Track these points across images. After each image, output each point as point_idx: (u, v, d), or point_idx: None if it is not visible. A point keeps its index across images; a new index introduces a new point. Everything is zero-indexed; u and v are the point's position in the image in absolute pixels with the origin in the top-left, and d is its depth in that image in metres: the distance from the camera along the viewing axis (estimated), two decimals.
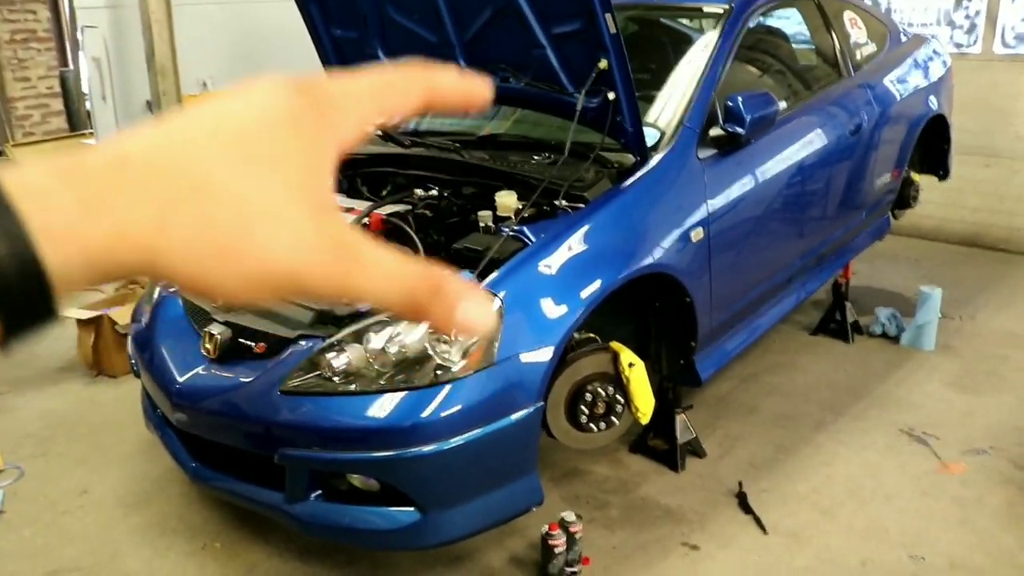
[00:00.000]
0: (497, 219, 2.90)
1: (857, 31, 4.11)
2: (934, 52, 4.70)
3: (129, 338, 3.27)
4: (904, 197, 4.51)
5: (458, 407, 2.42)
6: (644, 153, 2.92)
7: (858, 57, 4.09)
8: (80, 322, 4.20)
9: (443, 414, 2.41)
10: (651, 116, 3.19)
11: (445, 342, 2.45)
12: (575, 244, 2.70)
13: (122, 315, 4.10)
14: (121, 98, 4.56)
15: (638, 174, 2.90)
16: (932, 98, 4.45)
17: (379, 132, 3.70)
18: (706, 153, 3.10)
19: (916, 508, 3.10)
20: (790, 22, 4.05)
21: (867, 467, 3.36)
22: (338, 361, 2.49)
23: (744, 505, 3.12)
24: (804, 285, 3.79)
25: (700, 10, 3.56)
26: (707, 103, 3.15)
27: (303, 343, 2.62)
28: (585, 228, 2.73)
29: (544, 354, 2.52)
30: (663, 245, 2.88)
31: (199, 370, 2.78)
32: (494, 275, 2.57)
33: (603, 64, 2.77)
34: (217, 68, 4.70)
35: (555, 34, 2.87)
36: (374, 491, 2.55)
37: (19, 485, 3.45)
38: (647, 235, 2.86)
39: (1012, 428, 3.60)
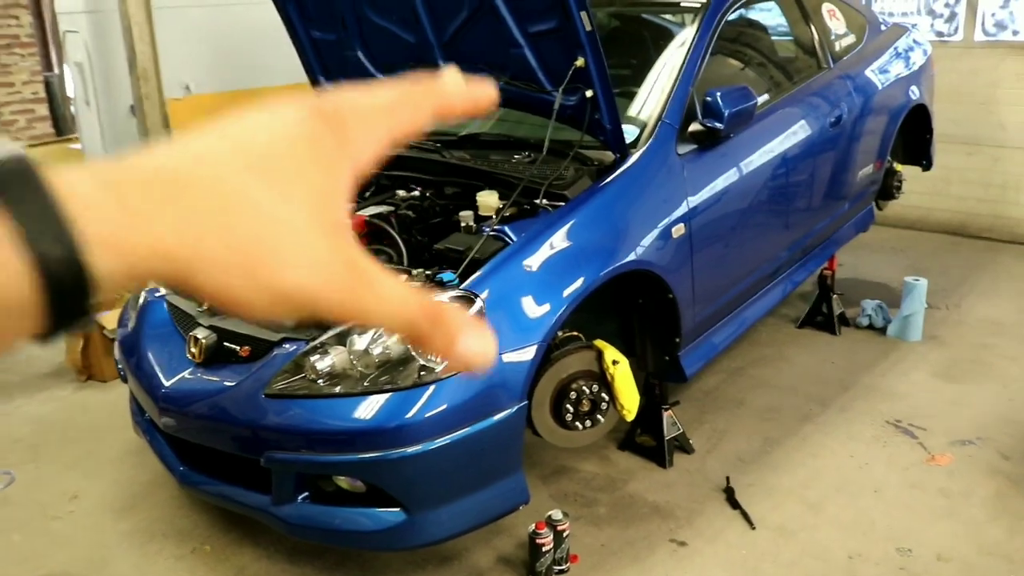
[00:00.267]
0: (479, 219, 2.91)
1: (836, 22, 4.11)
2: (914, 42, 4.71)
3: (116, 343, 3.27)
4: (887, 188, 4.52)
5: (442, 407, 2.43)
6: (623, 150, 2.93)
7: (837, 48, 4.10)
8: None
9: (427, 415, 2.42)
10: (630, 112, 3.20)
11: None
12: (556, 242, 2.71)
13: (110, 320, 4.09)
14: (105, 103, 4.55)
15: (617, 171, 2.91)
16: (913, 88, 4.47)
17: None
18: (685, 148, 3.11)
19: (903, 500, 3.12)
20: (769, 15, 4.05)
21: (854, 459, 3.37)
22: (322, 363, 2.50)
23: (731, 500, 3.13)
24: (789, 278, 3.80)
25: (678, 5, 3.56)
26: (685, 98, 3.15)
27: (287, 346, 2.62)
28: (565, 226, 2.74)
29: (526, 353, 2.53)
30: (644, 242, 2.89)
31: (185, 374, 2.79)
32: (475, 275, 2.58)
33: (580, 62, 2.77)
34: (200, 71, 4.69)
35: (532, 33, 2.87)
36: (360, 492, 2.56)
37: (9, 491, 3.45)
38: (628, 232, 2.87)
39: (998, 418, 3.62)
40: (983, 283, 5.04)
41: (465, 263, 2.66)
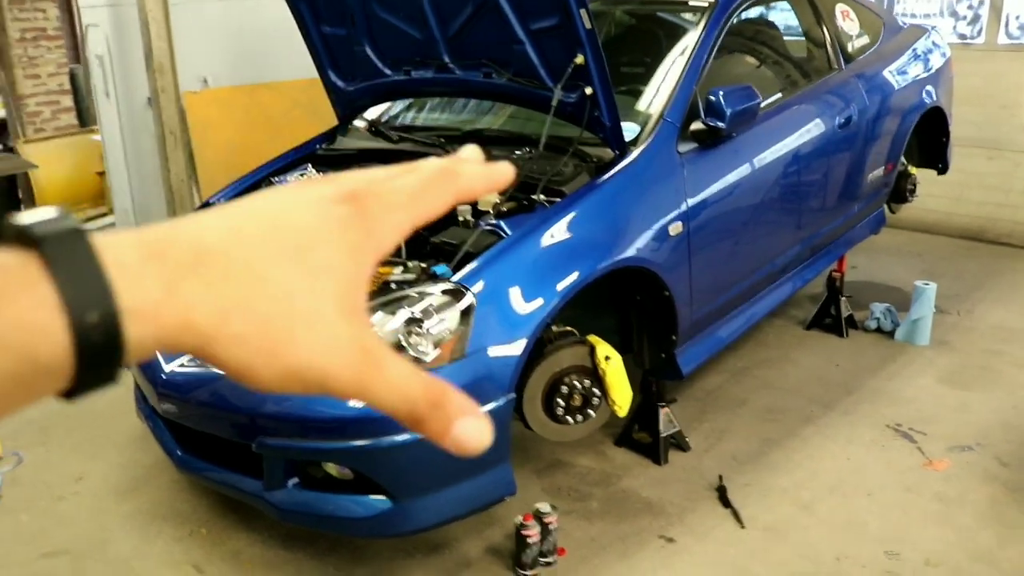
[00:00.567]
0: (477, 213, 2.94)
1: (849, 23, 4.09)
2: (933, 44, 4.67)
3: None
4: (901, 191, 4.49)
5: None
6: (622, 147, 2.94)
7: (850, 49, 4.08)
8: None
9: None
10: (633, 110, 3.21)
11: (418, 334, 2.49)
12: (549, 237, 2.73)
13: None
14: (123, 95, 4.64)
15: (615, 168, 2.92)
16: (929, 90, 4.43)
17: (370, 128, 3.75)
18: (687, 147, 3.11)
19: (897, 504, 3.10)
20: (780, 15, 4.04)
21: (851, 462, 3.36)
22: None
23: (724, 499, 3.14)
24: (792, 279, 3.79)
25: (686, 4, 3.56)
26: (688, 97, 3.16)
27: None
28: (560, 222, 2.76)
29: (516, 347, 2.56)
30: (640, 239, 2.90)
31: (184, 360, 2.85)
32: (467, 268, 2.61)
33: (580, 59, 2.79)
34: (218, 65, 4.76)
35: (533, 30, 2.90)
36: (348, 480, 2.61)
37: (18, 471, 3.54)
38: (624, 229, 2.88)
39: (1001, 424, 3.59)
40: (998, 289, 4.98)
41: (459, 256, 2.69)
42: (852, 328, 4.44)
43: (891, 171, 4.27)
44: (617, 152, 2.96)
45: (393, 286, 2.68)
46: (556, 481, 3.32)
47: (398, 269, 2.80)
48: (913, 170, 4.58)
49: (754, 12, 3.83)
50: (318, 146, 3.74)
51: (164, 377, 2.83)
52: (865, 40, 4.20)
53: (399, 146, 3.47)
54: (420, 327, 2.48)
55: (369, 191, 0.45)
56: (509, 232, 2.75)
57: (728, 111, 3.04)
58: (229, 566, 2.93)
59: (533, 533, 2.76)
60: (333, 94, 3.75)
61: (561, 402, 2.81)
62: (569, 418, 2.84)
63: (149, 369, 2.90)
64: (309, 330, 0.41)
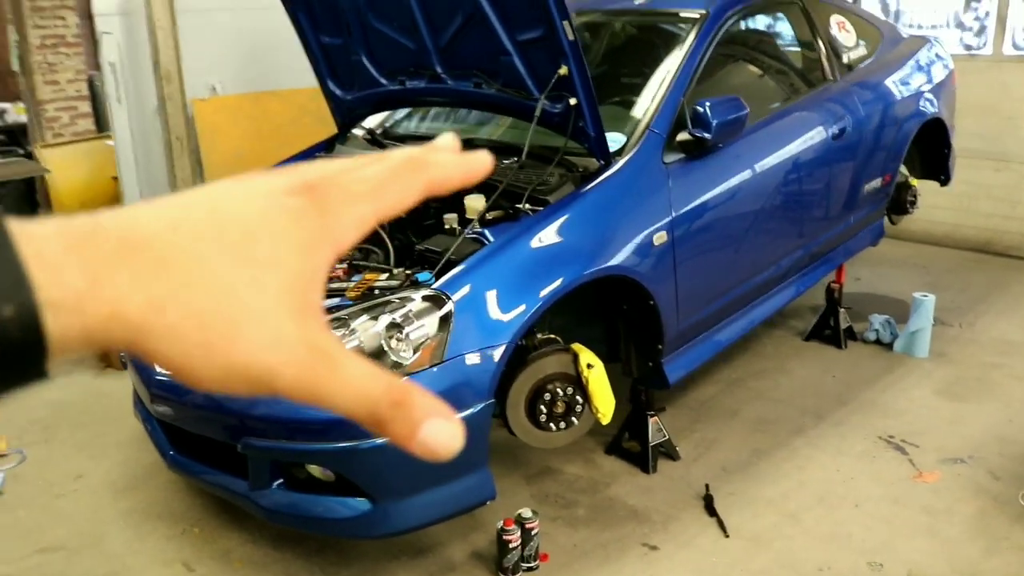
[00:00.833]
0: (464, 221, 2.98)
1: (845, 35, 4.10)
2: (936, 55, 4.66)
3: None
4: (901, 202, 4.48)
5: None
6: (607, 157, 2.97)
7: (845, 60, 4.09)
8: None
9: None
10: (620, 120, 3.24)
11: (399, 339, 2.54)
12: (532, 245, 2.77)
13: None
14: (134, 101, 4.74)
15: (599, 178, 2.95)
16: (929, 101, 4.42)
17: (365, 136, 3.82)
18: (673, 158, 3.14)
19: (883, 515, 3.10)
20: (774, 26, 4.06)
21: (840, 473, 3.36)
22: None
23: (709, 507, 3.15)
24: (786, 290, 3.80)
25: (676, 15, 3.59)
26: (675, 108, 3.19)
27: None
28: (543, 230, 2.80)
29: (495, 353, 2.59)
30: (624, 248, 2.93)
31: None
32: (448, 275, 2.65)
33: (563, 70, 2.83)
34: (226, 73, 4.85)
35: (520, 41, 2.94)
36: (331, 481, 2.65)
37: (21, 468, 3.62)
38: (607, 237, 2.91)
39: (995, 437, 3.57)
40: (1002, 302, 4.95)
41: (441, 263, 2.74)
42: (851, 339, 4.44)
43: (889, 182, 4.27)
44: (602, 162, 2.99)
45: (377, 292, 2.73)
46: (545, 488, 3.35)
47: (384, 276, 2.85)
48: (914, 182, 4.56)
49: (748, 23, 3.85)
50: (316, 155, 3.81)
51: (157, 379, 2.90)
52: (862, 51, 4.20)
53: None
54: (400, 332, 2.53)
55: (329, 182, 0.43)
56: (492, 240, 2.79)
57: (714, 122, 3.06)
58: (219, 564, 2.99)
59: (514, 538, 2.80)
60: (332, 103, 3.82)
61: (544, 409, 2.84)
62: (552, 425, 2.87)
63: (143, 371, 2.97)
64: (251, 326, 0.39)
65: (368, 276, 2.87)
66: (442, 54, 3.25)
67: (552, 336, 2.93)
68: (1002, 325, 4.64)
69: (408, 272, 2.80)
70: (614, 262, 2.91)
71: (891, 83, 4.26)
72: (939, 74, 4.60)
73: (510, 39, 2.96)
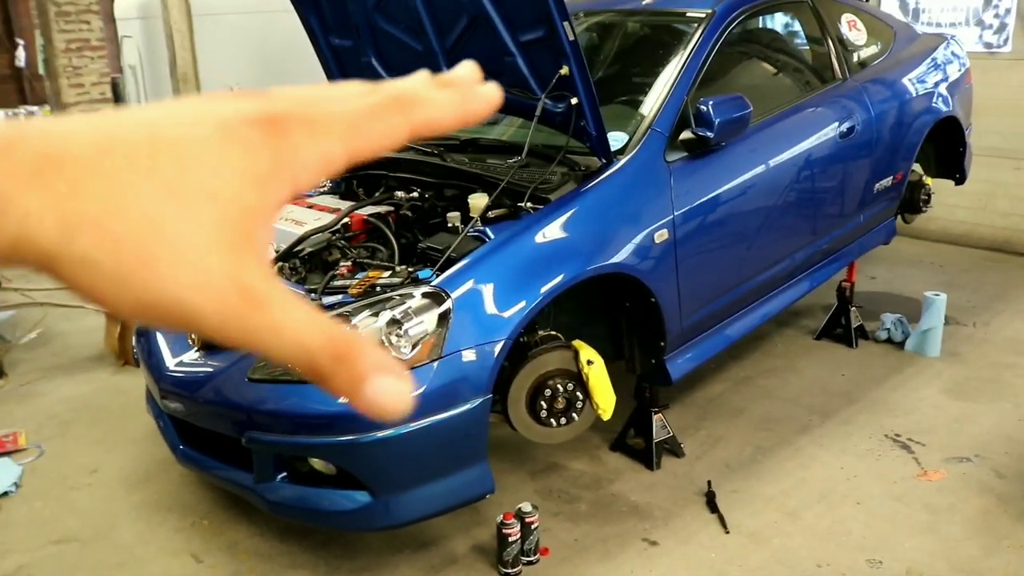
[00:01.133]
0: (467, 220, 3.02)
1: (856, 33, 4.09)
2: (952, 54, 4.63)
3: (135, 328, 3.50)
4: (914, 201, 4.45)
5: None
6: (608, 156, 3.00)
7: (856, 59, 4.08)
8: (107, 314, 4.48)
9: None
10: (624, 119, 3.27)
11: (399, 336, 2.58)
12: (532, 242, 2.80)
13: None
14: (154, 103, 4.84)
15: (601, 176, 2.98)
16: (943, 99, 4.39)
17: None
18: (675, 156, 3.16)
19: (885, 513, 3.10)
20: (783, 25, 4.06)
21: (844, 471, 3.36)
22: None
23: (711, 504, 3.17)
24: (793, 288, 3.80)
25: (684, 15, 3.61)
26: (679, 107, 3.21)
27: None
28: (543, 228, 2.84)
29: (493, 349, 2.63)
30: (624, 246, 2.95)
31: (184, 359, 2.98)
32: (448, 272, 2.69)
33: (564, 70, 2.86)
34: (242, 74, 4.94)
35: (522, 42, 2.97)
36: (332, 475, 2.71)
37: (39, 462, 3.71)
38: (608, 235, 2.94)
39: (1002, 436, 3.55)
40: (1019, 301, 4.91)
41: (442, 260, 2.78)
42: (862, 338, 4.42)
43: (900, 181, 4.25)
44: (604, 160, 3.02)
45: (379, 289, 2.78)
46: (549, 483, 3.38)
47: (386, 273, 2.90)
48: (928, 180, 4.54)
49: (756, 23, 3.86)
50: None
51: (166, 373, 2.97)
52: (874, 49, 4.19)
53: (402, 154, 3.57)
54: (400, 328, 2.57)
55: (297, 114, 0.39)
56: (493, 237, 2.83)
57: (717, 120, 3.08)
58: (226, 556, 3.05)
59: (513, 532, 2.83)
60: None
61: (545, 405, 2.87)
62: (553, 420, 2.90)
63: (155, 369, 3.04)
64: (172, 262, 0.36)
65: (371, 274, 2.92)
66: (448, 55, 3.29)
67: (553, 333, 2.97)
68: (1017, 325, 4.60)
69: (410, 270, 2.85)
70: (615, 260, 2.93)
71: (903, 81, 4.25)
72: (954, 72, 4.57)
73: (513, 40, 3.00)
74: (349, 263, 3.00)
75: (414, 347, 2.57)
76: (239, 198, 0.37)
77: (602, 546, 3.00)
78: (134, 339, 3.43)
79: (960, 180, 4.78)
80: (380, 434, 2.55)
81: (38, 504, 3.41)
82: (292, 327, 0.38)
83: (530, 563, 2.90)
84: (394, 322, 2.58)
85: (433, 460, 2.64)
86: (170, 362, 2.99)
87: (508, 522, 2.83)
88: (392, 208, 3.30)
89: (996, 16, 5.46)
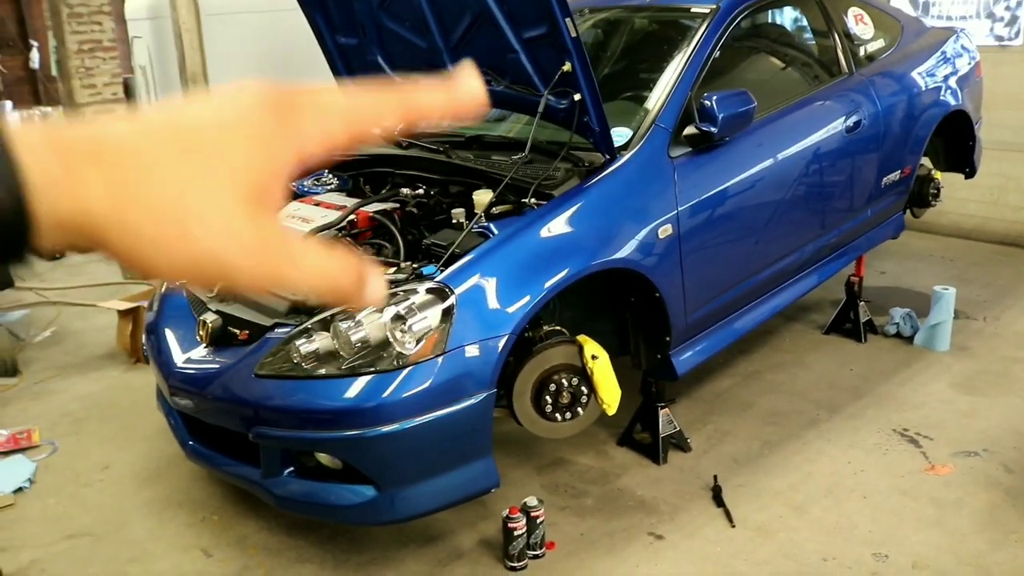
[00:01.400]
0: (471, 216, 3.04)
1: (863, 27, 4.08)
2: (962, 47, 4.61)
3: (144, 326, 3.54)
4: (923, 195, 4.43)
5: (415, 390, 2.56)
6: (611, 151, 3.01)
7: (863, 53, 4.07)
8: (120, 313, 4.52)
9: (402, 395, 2.55)
10: (628, 115, 3.28)
11: (403, 331, 2.60)
12: (535, 239, 2.81)
13: None
14: None
15: (604, 172, 2.99)
16: (952, 93, 4.37)
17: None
18: (679, 151, 3.17)
19: (891, 507, 3.10)
20: (789, 20, 4.05)
21: (850, 466, 3.36)
22: (307, 347, 2.67)
23: (717, 498, 3.17)
24: (798, 283, 3.79)
25: (688, 10, 3.61)
26: (682, 102, 3.21)
27: (278, 330, 2.81)
28: (547, 223, 2.85)
29: (497, 344, 2.65)
30: (628, 241, 2.96)
31: (193, 355, 3.01)
32: (452, 268, 2.71)
33: (567, 67, 2.87)
34: (251, 73, 4.97)
35: (525, 39, 2.98)
36: (338, 469, 2.73)
37: (52, 459, 3.76)
38: (611, 230, 2.95)
39: (1011, 431, 3.54)
40: None
41: (446, 256, 2.80)
42: (871, 333, 4.41)
43: (909, 175, 4.23)
44: (607, 156, 3.02)
45: None
46: (555, 478, 3.39)
47: (392, 270, 2.92)
48: (937, 174, 4.52)
49: (761, 17, 3.85)
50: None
51: (175, 370, 3.00)
52: (881, 43, 4.18)
53: (408, 152, 3.59)
54: (404, 324, 2.59)
55: (303, 99, 0.47)
56: (497, 233, 2.84)
57: (720, 115, 3.08)
58: (235, 551, 3.08)
59: (519, 526, 2.84)
60: None
61: (550, 399, 2.88)
62: (558, 415, 2.91)
63: (164, 365, 3.07)
64: (202, 221, 0.43)
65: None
66: (452, 52, 3.31)
67: (558, 328, 2.98)
68: None
69: (415, 266, 2.87)
70: (619, 255, 2.94)
71: (911, 75, 4.23)
72: (963, 65, 4.55)
73: (516, 37, 3.01)
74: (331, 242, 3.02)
75: (418, 342, 2.59)
76: (251, 161, 0.45)
77: (608, 540, 3.01)
78: (144, 337, 3.46)
79: (970, 174, 4.75)
80: (385, 429, 2.57)
81: (51, 500, 3.45)
82: (311, 263, 0.47)
83: (536, 557, 2.91)
84: (398, 318, 2.60)
85: (438, 455, 2.66)
86: (179, 359, 3.02)
87: (514, 516, 2.85)
88: (398, 205, 3.32)
89: (1007, 9, 5.43)
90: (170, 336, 3.16)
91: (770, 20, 4.02)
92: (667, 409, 3.44)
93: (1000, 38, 5.49)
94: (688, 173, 3.15)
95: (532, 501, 2.91)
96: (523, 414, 2.90)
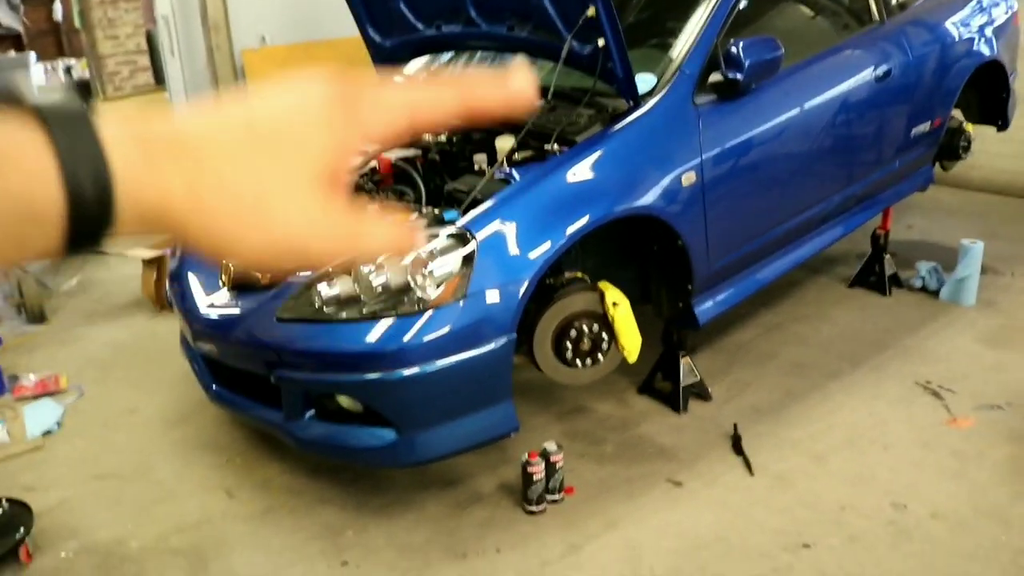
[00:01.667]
0: (494, 162, 3.02)
1: None
2: None
3: (168, 273, 3.57)
4: (953, 147, 4.35)
5: (436, 334, 2.57)
6: (635, 97, 2.97)
7: (894, 2, 3.97)
8: (145, 262, 4.57)
9: (423, 339, 2.56)
10: (654, 61, 3.23)
11: (424, 275, 2.61)
12: (556, 184, 2.80)
13: None
14: (186, 53, 4.87)
15: (628, 119, 2.96)
16: (986, 43, 4.27)
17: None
18: (705, 99, 3.12)
19: (912, 459, 3.09)
20: None
21: (872, 417, 3.34)
22: (329, 291, 2.68)
23: (737, 447, 3.18)
24: (823, 234, 3.75)
25: None
26: (708, 49, 3.16)
27: (300, 274, 2.82)
28: (569, 169, 2.83)
29: (517, 289, 2.64)
30: (652, 188, 2.93)
31: (216, 300, 3.04)
32: (473, 214, 2.70)
33: (591, 11, 2.83)
34: (275, 23, 4.94)
35: None
36: (358, 412, 2.75)
37: (79, 403, 3.83)
38: (634, 177, 2.92)
39: None
40: None
41: (467, 202, 2.79)
42: (896, 287, 4.37)
43: (939, 126, 4.16)
44: (631, 102, 2.99)
45: None
46: (575, 425, 3.41)
47: (413, 215, 2.92)
48: (969, 127, 4.43)
49: None
50: None
51: (199, 314, 3.02)
52: None
53: None
54: (425, 269, 2.59)
55: (369, 90, 0.49)
56: (519, 179, 2.82)
57: (747, 62, 3.03)
58: (259, 492, 3.13)
59: (538, 470, 2.87)
60: (372, 49, 3.87)
61: (570, 346, 2.88)
62: (578, 362, 2.92)
63: (188, 311, 3.10)
64: (278, 205, 0.46)
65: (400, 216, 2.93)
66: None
67: (579, 275, 2.97)
68: None
69: (436, 211, 2.86)
70: (641, 202, 2.92)
71: (944, 24, 4.13)
72: (1000, 15, 4.43)
73: None
74: (377, 205, 3.02)
75: (439, 287, 2.59)
76: (323, 149, 0.47)
77: (627, 486, 3.03)
78: (167, 284, 3.49)
79: (1003, 127, 4.66)
80: (406, 372, 2.58)
81: (79, 442, 3.52)
82: (374, 234, 0.50)
83: (555, 501, 2.94)
84: (420, 262, 2.60)
85: (458, 398, 2.67)
86: (203, 304, 3.05)
87: (533, 460, 2.87)
88: (420, 152, 3.31)
89: None
90: (194, 281, 3.18)
91: None
92: (688, 358, 3.43)
93: None
94: (713, 121, 3.11)
95: (551, 446, 2.93)
96: (543, 360, 2.91)
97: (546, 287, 2.86)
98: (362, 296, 2.65)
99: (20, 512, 2.93)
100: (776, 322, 4.13)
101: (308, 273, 2.79)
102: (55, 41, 11.23)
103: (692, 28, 3.24)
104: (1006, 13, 4.50)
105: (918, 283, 4.35)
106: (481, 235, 2.65)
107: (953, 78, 4.12)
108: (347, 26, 4.65)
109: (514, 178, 2.84)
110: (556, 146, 2.94)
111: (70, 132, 0.42)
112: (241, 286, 2.99)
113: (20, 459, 3.40)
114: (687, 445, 3.23)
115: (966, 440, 3.17)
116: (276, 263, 0.48)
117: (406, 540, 2.82)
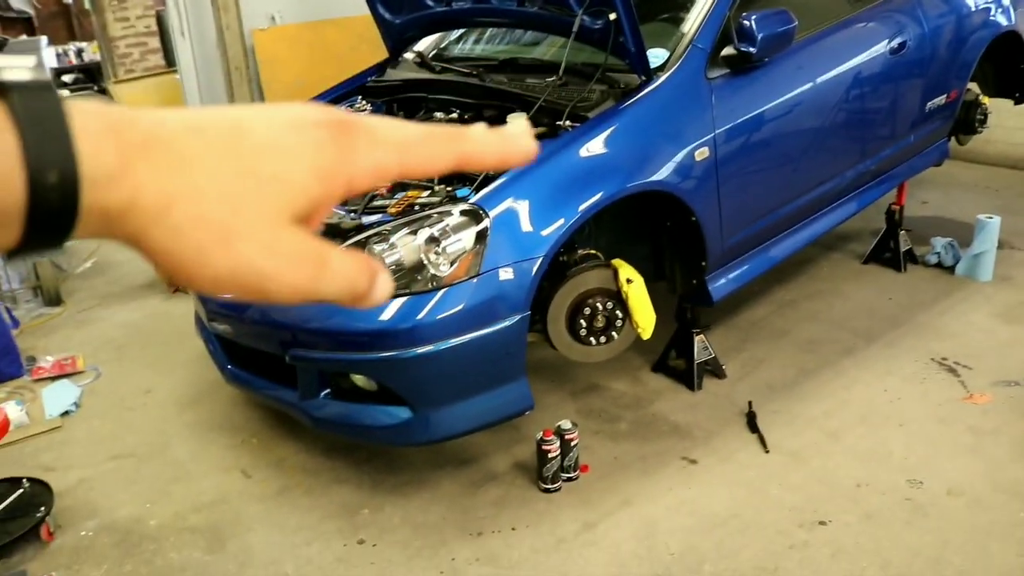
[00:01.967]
0: None
1: None
2: None
3: None
4: (969, 121, 4.31)
5: (450, 312, 2.57)
6: (647, 72, 2.95)
7: None
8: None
9: (437, 317, 2.56)
10: (666, 36, 3.20)
11: (437, 253, 2.60)
12: (569, 161, 2.78)
13: None
14: (196, 34, 4.86)
15: (640, 94, 2.94)
16: (1004, 13, 4.21)
17: (415, 59, 3.84)
18: (717, 73, 3.09)
19: (928, 435, 3.07)
20: None
21: (887, 393, 3.33)
22: None
23: (751, 424, 3.17)
24: (838, 209, 3.72)
25: None
26: (720, 22, 3.13)
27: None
28: (581, 145, 2.81)
29: (531, 266, 2.64)
30: (665, 164, 2.91)
31: None
32: (486, 191, 2.69)
33: None
34: (284, 2, 4.92)
35: None
36: (374, 391, 2.76)
37: (96, 384, 3.85)
38: (647, 153, 2.90)
39: None
40: None
41: (480, 179, 2.78)
42: (912, 262, 4.34)
43: (955, 99, 4.11)
44: (643, 77, 2.96)
45: (418, 208, 2.79)
46: (590, 403, 3.41)
47: (426, 192, 2.91)
48: (985, 100, 4.38)
49: None
50: (369, 78, 3.86)
51: (216, 297, 3.03)
52: None
53: (441, 76, 3.55)
54: (438, 246, 2.59)
55: (361, 125, 0.46)
56: None
57: (760, 35, 3.00)
58: (274, 471, 3.15)
59: (553, 448, 2.87)
60: (382, 27, 3.84)
61: (584, 323, 2.88)
62: (592, 339, 2.91)
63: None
64: (248, 238, 0.42)
65: (410, 193, 2.93)
66: None
67: (593, 252, 2.96)
68: None
69: (448, 188, 2.85)
70: (654, 178, 2.90)
71: None
72: None
73: None
74: (389, 183, 3.02)
75: (452, 264, 2.59)
76: (306, 189, 0.44)
77: (641, 464, 3.03)
78: None
79: (1020, 100, 4.60)
80: (420, 350, 2.58)
81: (96, 423, 3.54)
82: (344, 273, 0.46)
83: (570, 479, 2.94)
84: (432, 240, 2.59)
85: (472, 376, 2.67)
86: None
87: (548, 439, 2.87)
88: None
89: None
90: None
91: None
92: (702, 335, 3.43)
93: None
94: (726, 95, 3.08)
95: (566, 424, 2.93)
96: (558, 338, 2.91)
97: (560, 264, 2.85)
98: None
99: (41, 491, 2.96)
100: (790, 299, 4.11)
101: None
102: (66, 24, 11.24)
103: (704, 1, 3.21)
104: None
105: (933, 259, 4.32)
106: (494, 212, 2.64)
107: (969, 50, 4.07)
108: (357, 4, 4.63)
109: None
110: (568, 122, 2.92)
111: (37, 116, 0.38)
112: None
113: (40, 439, 3.43)
114: (701, 422, 3.23)
115: (983, 416, 3.15)
116: (231, 289, 0.43)
117: (421, 519, 2.84)
